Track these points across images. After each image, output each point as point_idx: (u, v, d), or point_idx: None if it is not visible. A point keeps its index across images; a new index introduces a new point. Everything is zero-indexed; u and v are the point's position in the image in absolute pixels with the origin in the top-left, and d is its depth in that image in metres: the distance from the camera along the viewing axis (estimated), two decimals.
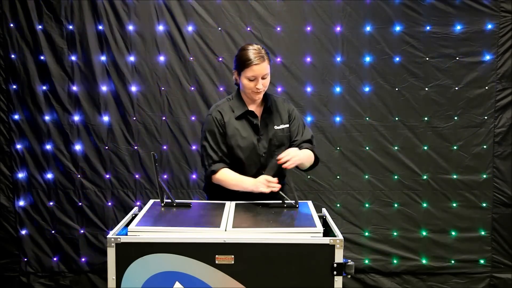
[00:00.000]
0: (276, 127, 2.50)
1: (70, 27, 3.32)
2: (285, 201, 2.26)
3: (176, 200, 2.27)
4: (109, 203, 3.47)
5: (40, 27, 3.32)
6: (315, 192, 3.47)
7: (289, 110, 2.57)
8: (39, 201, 3.47)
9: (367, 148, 3.46)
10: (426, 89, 3.42)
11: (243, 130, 2.48)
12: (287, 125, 2.54)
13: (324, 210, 2.32)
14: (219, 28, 3.34)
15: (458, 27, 3.35)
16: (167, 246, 1.80)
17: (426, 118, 3.43)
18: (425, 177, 3.47)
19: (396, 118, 3.44)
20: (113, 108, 3.40)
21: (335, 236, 1.87)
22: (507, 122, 3.43)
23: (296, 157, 2.33)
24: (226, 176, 2.42)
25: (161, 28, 3.34)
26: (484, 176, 3.46)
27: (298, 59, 3.39)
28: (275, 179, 2.31)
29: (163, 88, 3.38)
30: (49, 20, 3.32)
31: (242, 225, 1.94)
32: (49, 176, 3.45)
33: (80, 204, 3.47)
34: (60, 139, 3.43)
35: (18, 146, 3.43)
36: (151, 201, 2.33)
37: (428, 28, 3.35)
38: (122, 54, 3.35)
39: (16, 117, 3.40)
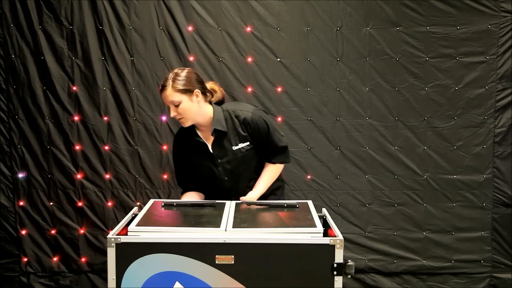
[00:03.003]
0: (234, 147, 2.43)
1: (70, 27, 3.33)
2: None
3: (176, 200, 2.26)
4: (109, 203, 3.47)
5: (40, 27, 3.32)
6: (315, 192, 3.47)
7: (246, 127, 2.44)
8: (39, 201, 3.47)
9: (367, 148, 3.46)
10: (426, 89, 3.42)
11: (197, 156, 2.47)
12: (247, 143, 2.45)
13: (324, 210, 2.32)
14: (219, 28, 3.34)
15: (458, 27, 3.35)
16: (167, 246, 1.80)
17: (426, 118, 3.43)
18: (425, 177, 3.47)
19: (396, 118, 3.44)
20: (113, 108, 3.40)
21: (335, 236, 1.87)
22: (507, 122, 3.43)
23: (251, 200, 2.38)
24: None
25: (161, 28, 3.34)
26: (484, 176, 3.46)
27: (298, 59, 3.38)
28: None
29: None
30: (49, 20, 3.32)
31: (242, 225, 1.94)
32: (49, 176, 3.45)
33: (80, 204, 3.47)
34: (60, 139, 3.43)
35: (18, 146, 3.43)
36: (151, 201, 2.32)
37: (428, 28, 3.35)
38: (122, 54, 3.34)
39: (16, 117, 3.41)
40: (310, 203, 2.30)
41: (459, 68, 3.39)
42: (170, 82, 2.33)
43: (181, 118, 2.38)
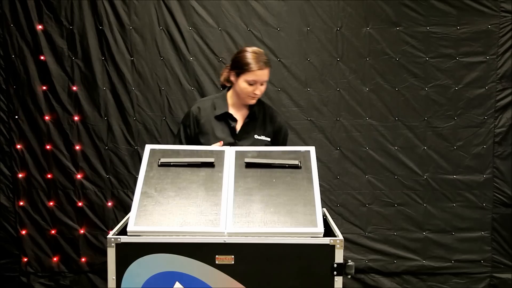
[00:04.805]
0: (256, 136, 2.44)
1: (70, 27, 3.33)
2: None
3: (172, 148, 2.14)
4: (109, 203, 3.47)
5: (40, 27, 3.32)
6: None
7: (277, 126, 2.50)
8: (39, 201, 3.47)
9: (367, 148, 3.46)
10: (426, 89, 3.42)
11: (219, 131, 2.41)
12: (268, 139, 2.46)
13: (324, 210, 2.32)
14: (219, 28, 3.34)
15: (458, 27, 3.35)
16: (167, 246, 1.80)
17: (426, 118, 3.44)
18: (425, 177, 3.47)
19: (396, 118, 3.44)
20: (113, 108, 3.40)
21: (335, 236, 1.87)
22: (507, 122, 3.43)
23: None
24: None
25: (161, 28, 3.34)
26: (484, 176, 3.46)
27: (298, 59, 3.39)
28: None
29: (163, 88, 3.38)
30: (49, 20, 3.32)
31: (242, 225, 1.93)
32: (49, 176, 3.45)
33: (80, 204, 3.47)
34: (60, 139, 3.43)
35: (18, 146, 3.43)
36: (147, 148, 2.13)
37: (428, 28, 3.36)
38: (122, 54, 3.34)
39: (16, 117, 3.40)
40: (312, 152, 2.21)
41: (459, 68, 3.39)
42: (269, 63, 2.38)
43: (257, 97, 2.41)
